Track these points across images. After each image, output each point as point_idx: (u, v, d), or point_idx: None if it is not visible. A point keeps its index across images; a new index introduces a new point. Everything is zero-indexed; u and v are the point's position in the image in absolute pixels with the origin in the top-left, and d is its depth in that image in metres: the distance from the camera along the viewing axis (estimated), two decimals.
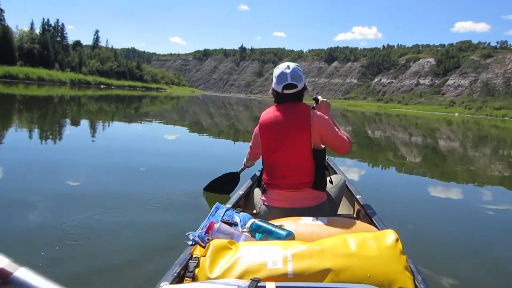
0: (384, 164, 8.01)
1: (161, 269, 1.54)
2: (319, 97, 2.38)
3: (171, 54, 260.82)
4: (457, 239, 3.33)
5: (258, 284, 1.14)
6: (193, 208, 3.43)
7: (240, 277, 1.25)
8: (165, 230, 2.85)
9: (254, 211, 2.33)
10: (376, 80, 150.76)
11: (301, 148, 2.06)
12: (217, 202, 2.01)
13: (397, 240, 1.37)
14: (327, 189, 2.21)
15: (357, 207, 2.63)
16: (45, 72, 54.48)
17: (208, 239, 1.49)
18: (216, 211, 1.91)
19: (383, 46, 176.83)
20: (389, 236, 1.39)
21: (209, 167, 5.31)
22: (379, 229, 1.82)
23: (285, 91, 2.11)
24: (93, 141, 7.73)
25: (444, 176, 7.11)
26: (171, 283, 1.31)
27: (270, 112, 2.17)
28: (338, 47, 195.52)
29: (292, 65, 2.15)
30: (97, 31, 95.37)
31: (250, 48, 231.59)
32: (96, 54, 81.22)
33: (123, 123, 12.35)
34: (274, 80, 2.16)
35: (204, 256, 1.36)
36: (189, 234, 1.62)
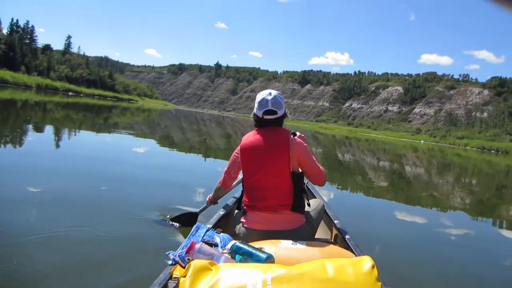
0: (354, 188, 8.05)
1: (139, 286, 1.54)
2: (297, 133, 2.39)
3: (145, 66, 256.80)
4: (429, 264, 3.38)
5: None
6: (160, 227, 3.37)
7: None
8: (141, 247, 2.79)
9: (234, 233, 2.33)
10: (347, 104, 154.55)
11: (280, 171, 2.12)
12: (198, 222, 2.02)
13: (373, 267, 1.39)
14: (305, 212, 2.24)
15: (334, 231, 2.68)
16: (9, 74, 51.80)
17: (188, 259, 1.48)
18: (197, 231, 1.91)
19: (355, 72, 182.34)
20: (366, 262, 1.41)
21: (180, 181, 5.31)
22: (355, 255, 1.87)
23: (266, 117, 2.19)
24: (56, 149, 7.40)
25: (420, 202, 7.28)
26: None
27: (251, 136, 2.24)
28: (312, 70, 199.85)
29: (274, 92, 2.23)
30: (69, 37, 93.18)
31: (225, 65, 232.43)
32: (67, 60, 78.67)
33: (90, 132, 11.89)
34: (256, 105, 2.23)
35: (184, 276, 1.34)
36: (169, 254, 1.61)
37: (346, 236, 2.28)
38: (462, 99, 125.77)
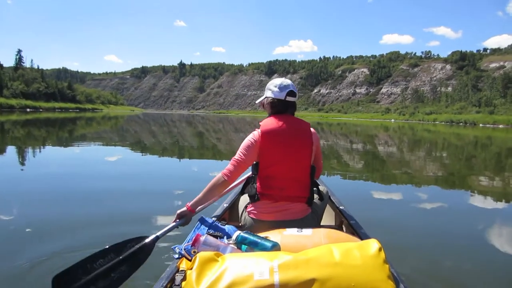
0: (330, 173, 7.52)
1: (148, 282, 1.54)
2: None
3: (106, 73, 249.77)
4: (437, 245, 3.35)
5: None
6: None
7: None
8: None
9: (239, 223, 2.23)
10: (315, 90, 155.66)
11: (303, 163, 2.10)
12: (201, 216, 1.97)
13: (380, 249, 1.38)
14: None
15: (340, 217, 2.67)
16: None
17: (194, 251, 1.49)
18: (201, 224, 1.90)
19: (320, 58, 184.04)
20: (373, 245, 1.39)
21: (158, 187, 5.31)
22: (362, 239, 1.82)
23: (288, 98, 2.14)
24: (22, 169, 6.98)
25: (396, 179, 7.13)
26: None
27: (273, 122, 2.11)
28: (277, 60, 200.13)
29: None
30: (19, 51, 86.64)
31: (189, 63, 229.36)
32: (20, 76, 73.86)
33: (57, 148, 11.30)
34: (275, 89, 2.15)
35: (191, 269, 1.36)
36: (175, 247, 1.63)
37: (352, 221, 2.29)
38: (427, 76, 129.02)
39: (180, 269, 1.46)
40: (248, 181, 2.25)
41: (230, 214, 2.68)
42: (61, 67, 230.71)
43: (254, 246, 1.58)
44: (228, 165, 2.07)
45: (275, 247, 1.56)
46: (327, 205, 2.64)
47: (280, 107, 2.16)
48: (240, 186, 2.57)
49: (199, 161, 9.63)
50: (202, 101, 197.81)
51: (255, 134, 2.10)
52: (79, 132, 19.35)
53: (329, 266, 1.31)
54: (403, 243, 3.32)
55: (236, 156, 2.09)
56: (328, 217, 2.86)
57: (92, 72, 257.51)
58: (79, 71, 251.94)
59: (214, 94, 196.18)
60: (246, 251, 1.59)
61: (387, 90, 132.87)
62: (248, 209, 2.15)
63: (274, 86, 2.17)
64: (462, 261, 3.05)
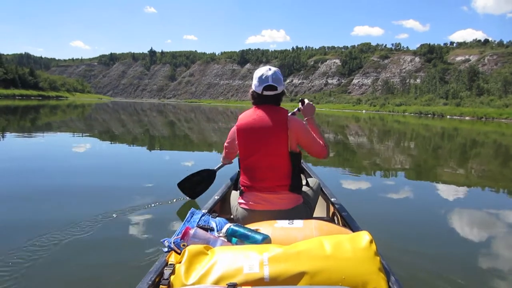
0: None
1: (137, 277, 1.52)
2: (306, 100, 2.44)
3: (73, 60, 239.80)
4: (429, 239, 3.32)
5: None
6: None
7: (216, 282, 1.24)
8: (138, 240, 2.79)
9: (231, 216, 2.30)
10: (288, 80, 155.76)
11: (279, 151, 2.08)
12: (192, 208, 1.98)
13: (371, 241, 1.37)
14: (302, 192, 2.23)
15: (332, 209, 2.67)
16: None
17: (183, 245, 1.47)
18: (192, 216, 1.90)
19: (293, 48, 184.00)
20: (364, 237, 1.39)
21: (133, 176, 5.26)
22: (353, 231, 1.80)
23: (265, 92, 2.12)
24: None
25: (366, 169, 6.99)
26: None
27: (248, 115, 2.16)
28: (249, 49, 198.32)
29: (274, 68, 2.17)
30: None
31: (160, 51, 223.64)
32: None
33: (20, 138, 10.22)
34: (255, 81, 2.15)
35: (180, 262, 1.35)
36: (164, 241, 1.62)
37: (344, 213, 2.27)
38: (396, 67, 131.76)
39: (169, 262, 1.41)
40: (238, 175, 2.35)
41: (221, 207, 2.70)
42: (24, 53, 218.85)
43: (244, 239, 1.56)
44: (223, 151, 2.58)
45: (266, 239, 1.54)
46: (319, 196, 2.62)
47: (258, 100, 2.16)
48: (233, 179, 2.85)
49: (171, 152, 9.28)
50: (173, 89, 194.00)
51: (234, 127, 2.22)
52: (43, 121, 18.10)
53: (319, 259, 1.30)
54: (394, 235, 3.28)
55: (226, 143, 2.43)
56: (320, 209, 2.83)
57: (57, 58, 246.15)
58: (43, 57, 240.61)
59: (185, 83, 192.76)
60: (236, 244, 1.57)
61: (358, 81, 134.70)
62: (238, 201, 2.19)
63: (256, 77, 2.15)
64: (448, 250, 3.04)
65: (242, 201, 2.16)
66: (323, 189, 2.72)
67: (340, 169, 7.14)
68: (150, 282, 1.37)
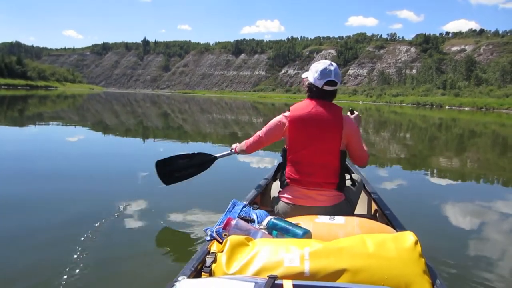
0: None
1: (179, 263, 1.63)
2: (355, 111, 2.42)
3: (65, 49, 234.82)
4: (476, 241, 3.14)
5: (275, 282, 1.14)
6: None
7: (257, 273, 1.25)
8: (179, 228, 2.89)
9: (271, 208, 2.28)
10: (283, 71, 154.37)
11: (331, 149, 2.06)
12: (233, 199, 2.00)
13: (416, 243, 1.33)
14: (345, 188, 2.20)
15: (374, 207, 2.64)
16: None
17: (225, 235, 1.51)
18: (233, 207, 1.92)
19: (287, 38, 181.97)
20: (408, 238, 1.35)
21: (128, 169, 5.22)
22: (397, 230, 1.77)
23: (325, 87, 2.09)
24: None
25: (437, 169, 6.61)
26: (189, 277, 1.33)
27: (303, 107, 2.11)
28: (244, 39, 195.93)
29: (334, 63, 2.16)
30: None
31: (154, 41, 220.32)
32: None
33: (7, 127, 10.44)
34: (316, 74, 2.10)
35: (221, 251, 1.37)
36: (206, 230, 1.67)
37: (386, 211, 2.21)
38: (392, 58, 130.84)
39: (211, 251, 1.45)
40: (279, 167, 2.38)
41: (262, 199, 2.69)
42: (14, 41, 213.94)
43: (285, 232, 1.56)
44: (251, 137, 2.35)
45: (307, 234, 1.54)
46: (362, 193, 2.57)
47: (316, 94, 2.11)
48: (273, 171, 2.92)
49: (164, 143, 9.04)
50: (167, 80, 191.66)
51: (283, 118, 2.14)
52: (31, 112, 17.60)
53: (362, 257, 1.27)
54: (440, 237, 3.13)
55: (259, 133, 2.29)
56: (361, 205, 2.72)
57: (49, 47, 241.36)
58: (34, 46, 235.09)
59: (179, 73, 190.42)
60: (276, 237, 1.57)
61: (354, 72, 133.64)
62: (280, 194, 2.17)
63: (315, 70, 2.11)
64: (501, 258, 2.80)
65: (284, 194, 2.13)
66: (365, 185, 2.68)
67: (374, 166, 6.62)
68: (192, 269, 1.38)
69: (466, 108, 49.83)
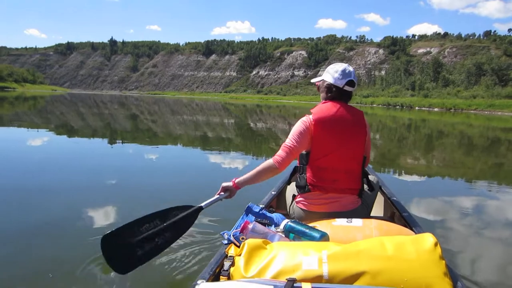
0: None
1: (197, 267, 1.63)
2: None
3: (26, 48, 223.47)
4: (496, 243, 3.13)
5: (294, 285, 1.14)
6: None
7: (275, 277, 1.25)
8: (199, 230, 2.90)
9: (286, 212, 2.22)
10: (254, 72, 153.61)
11: (356, 154, 2.03)
12: (250, 202, 1.98)
13: (436, 244, 1.31)
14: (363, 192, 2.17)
15: (391, 209, 2.58)
16: None
17: (242, 238, 1.50)
18: (250, 211, 1.90)
19: (258, 39, 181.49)
20: (428, 239, 1.33)
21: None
22: (415, 232, 1.76)
23: (347, 88, 2.06)
24: None
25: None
26: (207, 281, 1.34)
27: (328, 110, 2.03)
28: (215, 40, 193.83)
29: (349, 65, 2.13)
30: None
31: (121, 41, 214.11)
32: None
33: None
34: (337, 75, 2.05)
35: (239, 255, 1.37)
36: (223, 233, 1.66)
37: (404, 214, 2.19)
38: (361, 59, 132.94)
39: (229, 255, 1.45)
40: (296, 170, 2.19)
41: (278, 202, 2.65)
42: None
43: (302, 235, 1.56)
44: (279, 151, 2.02)
45: (324, 237, 1.53)
46: (378, 195, 2.53)
47: (336, 94, 2.07)
48: (288, 174, 2.66)
49: (135, 146, 8.70)
50: (135, 81, 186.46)
51: (306, 121, 2.03)
52: None
53: (381, 259, 1.26)
54: (459, 239, 3.12)
55: (288, 143, 2.03)
56: (378, 207, 2.68)
57: (8, 46, 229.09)
58: None
59: (148, 74, 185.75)
60: (293, 240, 1.57)
61: None
62: (297, 199, 2.10)
63: (335, 71, 2.08)
64: None
65: (303, 199, 2.06)
66: (382, 187, 2.63)
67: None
68: (211, 273, 1.39)
69: (436, 109, 50.68)
